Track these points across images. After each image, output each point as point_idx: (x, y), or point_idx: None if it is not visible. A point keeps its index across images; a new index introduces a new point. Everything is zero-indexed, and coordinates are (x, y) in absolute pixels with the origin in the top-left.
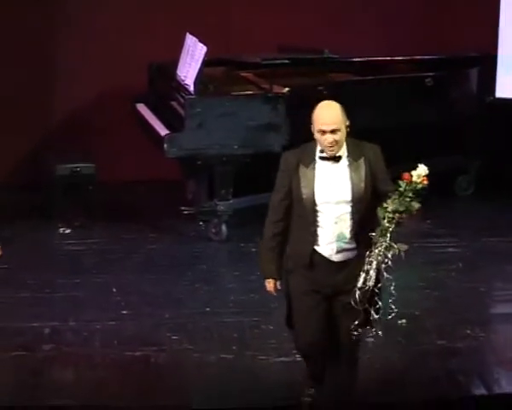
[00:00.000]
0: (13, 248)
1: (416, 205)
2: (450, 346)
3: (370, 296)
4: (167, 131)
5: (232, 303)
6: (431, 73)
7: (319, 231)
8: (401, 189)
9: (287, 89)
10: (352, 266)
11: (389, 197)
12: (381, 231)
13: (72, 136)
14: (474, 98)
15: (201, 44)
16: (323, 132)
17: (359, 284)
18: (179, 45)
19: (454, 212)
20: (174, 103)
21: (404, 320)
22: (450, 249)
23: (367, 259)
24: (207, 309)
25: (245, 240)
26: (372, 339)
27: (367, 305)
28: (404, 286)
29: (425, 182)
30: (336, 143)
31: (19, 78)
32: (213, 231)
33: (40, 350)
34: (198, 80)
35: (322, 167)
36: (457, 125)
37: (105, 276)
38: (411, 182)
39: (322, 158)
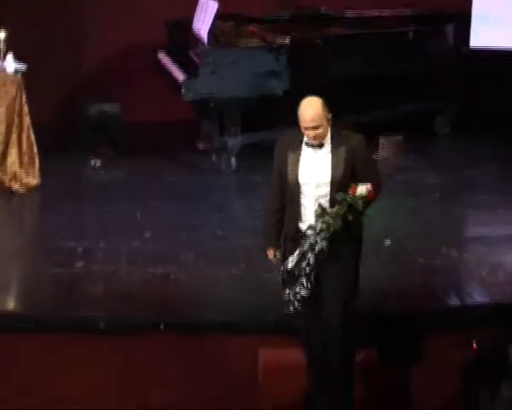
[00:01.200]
0: (51, 178)
1: (350, 217)
2: (428, 264)
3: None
4: (184, 78)
5: (240, 228)
6: (413, 28)
7: (302, 209)
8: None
9: (288, 40)
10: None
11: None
12: (324, 223)
13: (101, 82)
14: (451, 50)
15: (213, 1)
16: (306, 129)
17: (289, 264)
18: (194, 5)
19: (433, 148)
20: (190, 53)
21: (388, 242)
22: (430, 181)
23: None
24: (219, 233)
25: (251, 172)
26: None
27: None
28: (388, 213)
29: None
30: (318, 136)
31: (57, 33)
32: (224, 164)
33: (74, 267)
34: (211, 33)
35: (306, 153)
36: (436, 74)
37: (130, 203)
38: (354, 195)
39: (307, 144)
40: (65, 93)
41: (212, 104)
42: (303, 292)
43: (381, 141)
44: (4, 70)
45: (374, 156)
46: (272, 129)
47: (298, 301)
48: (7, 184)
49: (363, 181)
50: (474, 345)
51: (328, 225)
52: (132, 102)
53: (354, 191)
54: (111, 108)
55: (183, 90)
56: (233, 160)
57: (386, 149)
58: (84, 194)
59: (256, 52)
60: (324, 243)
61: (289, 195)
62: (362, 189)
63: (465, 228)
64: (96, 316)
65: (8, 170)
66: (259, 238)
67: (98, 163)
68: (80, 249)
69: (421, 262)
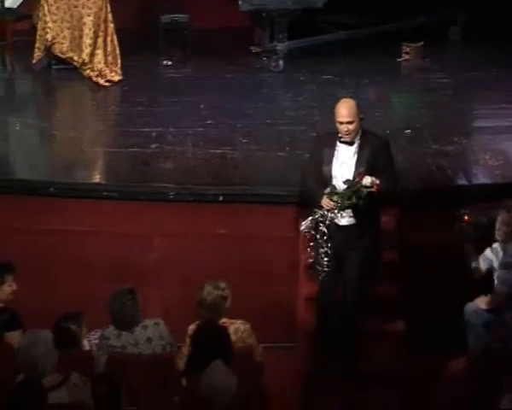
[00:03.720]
0: (131, 75)
1: (361, 203)
2: (441, 149)
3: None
4: None
5: (286, 116)
6: None
7: None
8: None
9: None
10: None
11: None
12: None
13: None
14: None
15: None
16: (341, 123)
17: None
18: None
19: (448, 52)
20: None
21: (408, 131)
22: (444, 80)
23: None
24: (268, 121)
25: (296, 71)
26: None
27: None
28: (408, 107)
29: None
30: (350, 131)
31: None
32: (273, 64)
33: (149, 148)
34: None
35: (339, 149)
36: None
37: (195, 96)
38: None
39: (341, 141)
40: (144, 4)
41: (264, 14)
42: (325, 260)
43: (403, 47)
44: None
45: (397, 59)
46: (314, 35)
47: (322, 268)
48: (94, 79)
49: (384, 177)
50: (466, 217)
51: (336, 202)
52: (199, 11)
53: (361, 179)
54: (181, 17)
55: (240, 2)
56: (281, 61)
57: (408, 53)
58: (158, 88)
59: None
60: (331, 215)
61: (321, 184)
62: (368, 179)
63: (472, 119)
64: (167, 187)
65: (95, 67)
66: (302, 126)
67: (169, 63)
68: (154, 133)
69: (435, 148)
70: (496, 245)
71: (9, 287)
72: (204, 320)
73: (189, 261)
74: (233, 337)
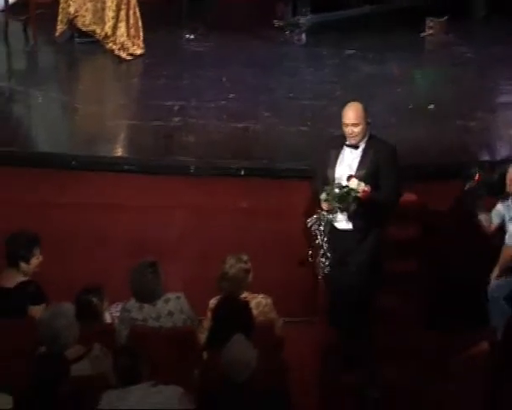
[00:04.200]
0: (153, 48)
1: (351, 208)
2: (465, 125)
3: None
4: None
5: (308, 91)
6: None
7: None
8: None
9: None
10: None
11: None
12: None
13: None
14: None
15: None
16: (346, 125)
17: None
18: None
19: (472, 27)
20: None
21: (432, 106)
22: (468, 55)
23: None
24: (290, 95)
25: (318, 45)
26: None
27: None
28: (431, 82)
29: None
30: (355, 134)
31: None
32: (296, 38)
33: (171, 121)
34: None
35: (345, 152)
36: None
37: (218, 69)
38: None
39: (346, 145)
40: None
41: None
42: (325, 260)
43: (427, 21)
44: None
45: (421, 34)
46: (337, 10)
47: (322, 267)
48: (116, 52)
49: (383, 185)
50: (477, 176)
51: (329, 204)
52: None
53: (348, 182)
54: None
55: None
56: (303, 35)
57: (432, 27)
58: (180, 61)
59: None
60: (329, 216)
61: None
62: (355, 183)
63: (496, 95)
64: (189, 161)
65: (118, 41)
66: (324, 100)
67: (192, 36)
68: (176, 107)
69: (459, 123)
70: (507, 200)
71: (37, 260)
72: (225, 294)
73: (209, 235)
74: (254, 311)
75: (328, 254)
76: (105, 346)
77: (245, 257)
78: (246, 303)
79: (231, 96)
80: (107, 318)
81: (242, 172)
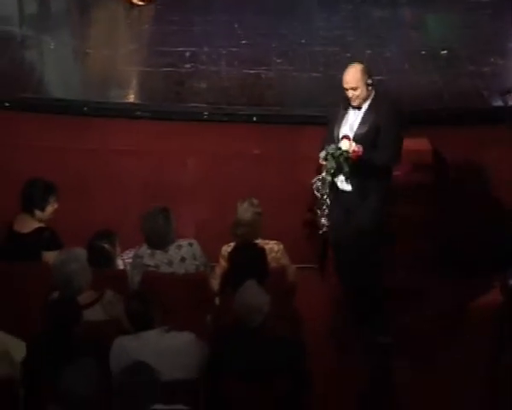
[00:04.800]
0: None
1: (345, 169)
2: (478, 70)
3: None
4: None
5: (320, 37)
6: None
7: None
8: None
9: None
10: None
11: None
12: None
13: None
14: None
15: None
16: (345, 89)
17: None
18: None
19: None
20: None
21: (445, 51)
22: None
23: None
24: (303, 41)
25: None
26: None
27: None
28: (445, 27)
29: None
30: (355, 97)
31: None
32: None
33: (183, 67)
34: None
35: (350, 112)
36: None
37: (230, 15)
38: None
39: (351, 106)
40: None
41: None
42: (322, 220)
43: None
44: None
45: None
46: None
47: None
48: None
49: (380, 146)
50: None
51: (327, 161)
52: None
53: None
54: None
55: None
56: None
57: None
58: (192, 7)
59: None
60: (328, 177)
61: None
62: (346, 144)
63: (510, 40)
64: (201, 107)
65: None
66: (336, 46)
67: None
68: (188, 53)
69: (472, 68)
70: None
71: (52, 207)
72: (242, 240)
73: (222, 181)
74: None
75: (326, 213)
76: (117, 292)
77: (255, 201)
78: (262, 249)
79: (243, 42)
80: (120, 264)
81: (255, 119)
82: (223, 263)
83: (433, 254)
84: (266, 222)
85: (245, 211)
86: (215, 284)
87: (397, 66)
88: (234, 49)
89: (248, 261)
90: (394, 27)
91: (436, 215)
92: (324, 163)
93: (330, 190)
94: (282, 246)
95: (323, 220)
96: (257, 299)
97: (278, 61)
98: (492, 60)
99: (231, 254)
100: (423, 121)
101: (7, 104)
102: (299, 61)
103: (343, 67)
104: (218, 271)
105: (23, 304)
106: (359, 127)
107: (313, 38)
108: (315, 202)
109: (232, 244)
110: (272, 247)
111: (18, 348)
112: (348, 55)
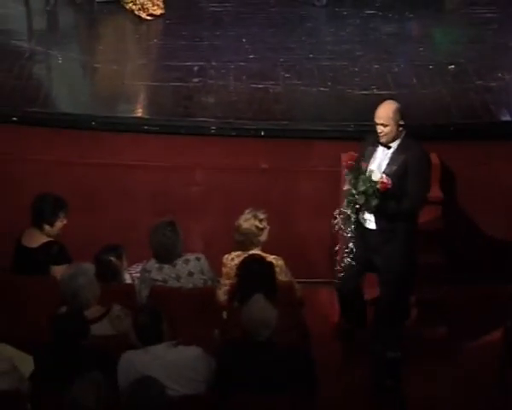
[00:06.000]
0: (173, 9)
1: (373, 202)
2: (485, 85)
3: None
4: None
5: (328, 51)
6: None
7: None
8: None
9: None
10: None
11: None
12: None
13: None
14: None
15: None
16: (376, 123)
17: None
18: None
19: None
20: None
21: (452, 66)
22: (489, 15)
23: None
24: (311, 55)
25: (339, 6)
26: None
27: None
28: (452, 42)
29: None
30: (384, 134)
31: None
32: None
33: (191, 82)
34: None
35: (379, 150)
36: None
37: (238, 30)
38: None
39: (379, 143)
40: None
41: None
42: (349, 254)
43: None
44: None
45: None
46: None
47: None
48: (136, 12)
49: (406, 191)
50: None
51: (352, 198)
52: None
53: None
54: None
55: None
56: None
57: None
58: (200, 22)
59: None
60: (353, 215)
61: None
62: (377, 175)
63: None
64: (209, 121)
65: (138, 1)
66: (344, 61)
67: None
68: (196, 67)
69: (479, 83)
70: None
71: (61, 222)
72: (240, 247)
73: (229, 196)
74: None
75: (353, 251)
76: (125, 306)
77: (261, 215)
78: (270, 264)
79: (251, 56)
80: (127, 278)
81: (262, 133)
82: (224, 271)
83: (443, 266)
84: (273, 235)
85: (245, 220)
86: (222, 296)
87: (404, 80)
88: (242, 64)
89: (256, 276)
90: (402, 42)
91: (444, 229)
92: (350, 198)
93: (355, 227)
94: (281, 262)
95: (348, 258)
96: (264, 313)
97: (286, 75)
98: (500, 74)
99: (239, 267)
100: (431, 136)
101: (15, 119)
102: (307, 76)
103: (351, 82)
104: (222, 280)
105: (31, 318)
106: (388, 166)
107: (321, 52)
108: (334, 242)
109: (234, 253)
110: (271, 262)
111: (25, 363)
112: (356, 69)
